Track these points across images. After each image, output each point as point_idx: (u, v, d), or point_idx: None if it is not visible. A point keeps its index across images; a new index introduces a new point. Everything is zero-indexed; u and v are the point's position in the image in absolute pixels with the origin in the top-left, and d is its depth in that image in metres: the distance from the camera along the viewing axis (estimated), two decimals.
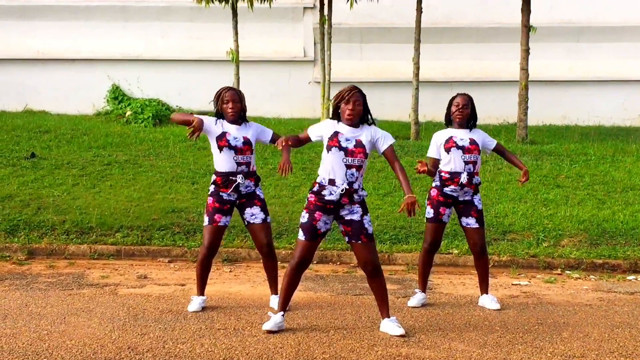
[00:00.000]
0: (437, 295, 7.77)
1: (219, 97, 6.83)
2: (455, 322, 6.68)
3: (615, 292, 8.11)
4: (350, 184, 6.06)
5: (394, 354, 5.70)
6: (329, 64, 15.67)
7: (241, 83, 15.51)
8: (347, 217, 6.14)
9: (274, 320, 6.23)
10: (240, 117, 6.84)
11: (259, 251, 7.02)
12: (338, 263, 9.28)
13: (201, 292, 7.01)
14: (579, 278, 8.83)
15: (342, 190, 6.04)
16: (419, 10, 15.17)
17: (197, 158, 12.94)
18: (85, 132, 14.71)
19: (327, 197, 6.08)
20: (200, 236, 9.66)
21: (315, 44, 18.29)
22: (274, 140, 6.88)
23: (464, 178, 7.02)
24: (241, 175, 6.73)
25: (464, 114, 7.10)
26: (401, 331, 6.15)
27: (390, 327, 6.23)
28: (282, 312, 6.29)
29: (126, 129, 15.44)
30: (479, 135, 7.20)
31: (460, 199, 7.15)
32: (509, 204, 10.98)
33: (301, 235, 6.16)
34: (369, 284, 6.30)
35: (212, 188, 6.84)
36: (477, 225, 7.17)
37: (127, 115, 16.47)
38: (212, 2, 15.41)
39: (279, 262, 9.04)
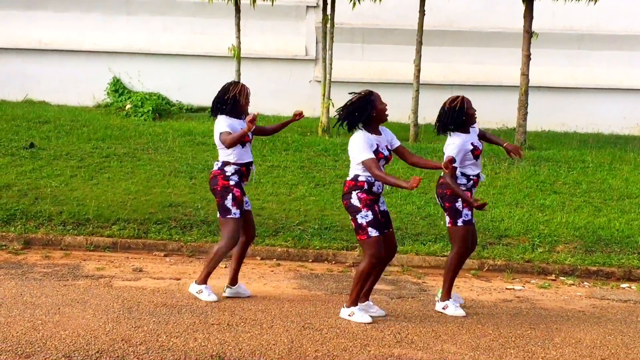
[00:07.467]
0: (430, 297, 7.80)
1: (241, 91, 7.09)
2: (448, 325, 6.71)
3: (609, 300, 8.14)
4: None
5: (387, 354, 5.73)
6: (330, 64, 15.67)
7: (242, 80, 15.51)
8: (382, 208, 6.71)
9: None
10: None
11: (246, 237, 7.17)
12: (333, 262, 9.29)
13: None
14: (573, 284, 8.86)
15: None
16: (422, 12, 15.17)
17: (196, 153, 12.94)
18: (85, 123, 14.71)
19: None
20: (197, 231, 9.67)
21: (317, 43, 18.25)
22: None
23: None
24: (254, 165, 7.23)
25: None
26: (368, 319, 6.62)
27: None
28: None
29: (126, 122, 15.44)
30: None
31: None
32: (506, 208, 11.00)
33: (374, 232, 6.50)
34: (378, 271, 6.73)
35: (235, 179, 6.97)
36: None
37: (127, 108, 16.48)
38: None
39: (275, 260, 9.16)
